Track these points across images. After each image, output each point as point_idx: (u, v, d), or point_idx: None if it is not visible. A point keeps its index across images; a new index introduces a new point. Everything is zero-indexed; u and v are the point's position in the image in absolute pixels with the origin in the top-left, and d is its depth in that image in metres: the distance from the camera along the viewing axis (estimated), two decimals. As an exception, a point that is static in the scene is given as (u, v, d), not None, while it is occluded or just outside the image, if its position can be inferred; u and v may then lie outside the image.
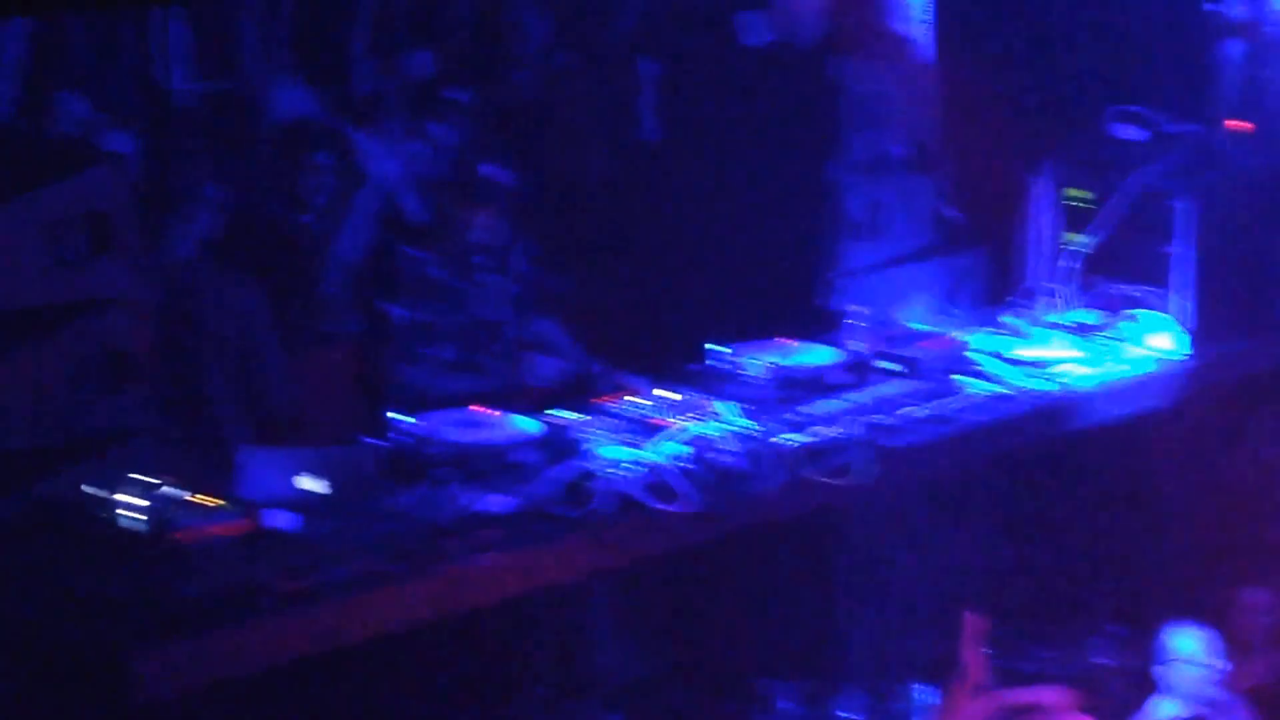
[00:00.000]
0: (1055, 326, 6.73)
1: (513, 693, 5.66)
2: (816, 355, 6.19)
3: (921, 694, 6.60)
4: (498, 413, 5.67)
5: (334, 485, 5.12)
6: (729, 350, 6.08)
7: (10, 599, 4.64)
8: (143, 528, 4.82)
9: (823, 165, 7.42)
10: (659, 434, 5.52)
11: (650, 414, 5.68)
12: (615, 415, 5.74)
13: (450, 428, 5.49)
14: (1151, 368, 6.60)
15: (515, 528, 5.12)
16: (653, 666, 6.14)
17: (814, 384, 6.06)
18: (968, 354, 6.42)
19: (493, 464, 5.39)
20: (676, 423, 5.58)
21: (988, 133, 7.86)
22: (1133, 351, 6.63)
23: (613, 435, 5.56)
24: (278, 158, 7.71)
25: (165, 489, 4.89)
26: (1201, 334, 6.67)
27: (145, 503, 4.85)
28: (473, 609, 4.97)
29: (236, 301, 6.69)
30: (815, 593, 6.48)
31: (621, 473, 5.32)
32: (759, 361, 6.00)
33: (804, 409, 5.87)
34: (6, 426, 5.41)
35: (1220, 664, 6.32)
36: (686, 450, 5.49)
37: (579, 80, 8.93)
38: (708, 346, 6.08)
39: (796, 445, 5.59)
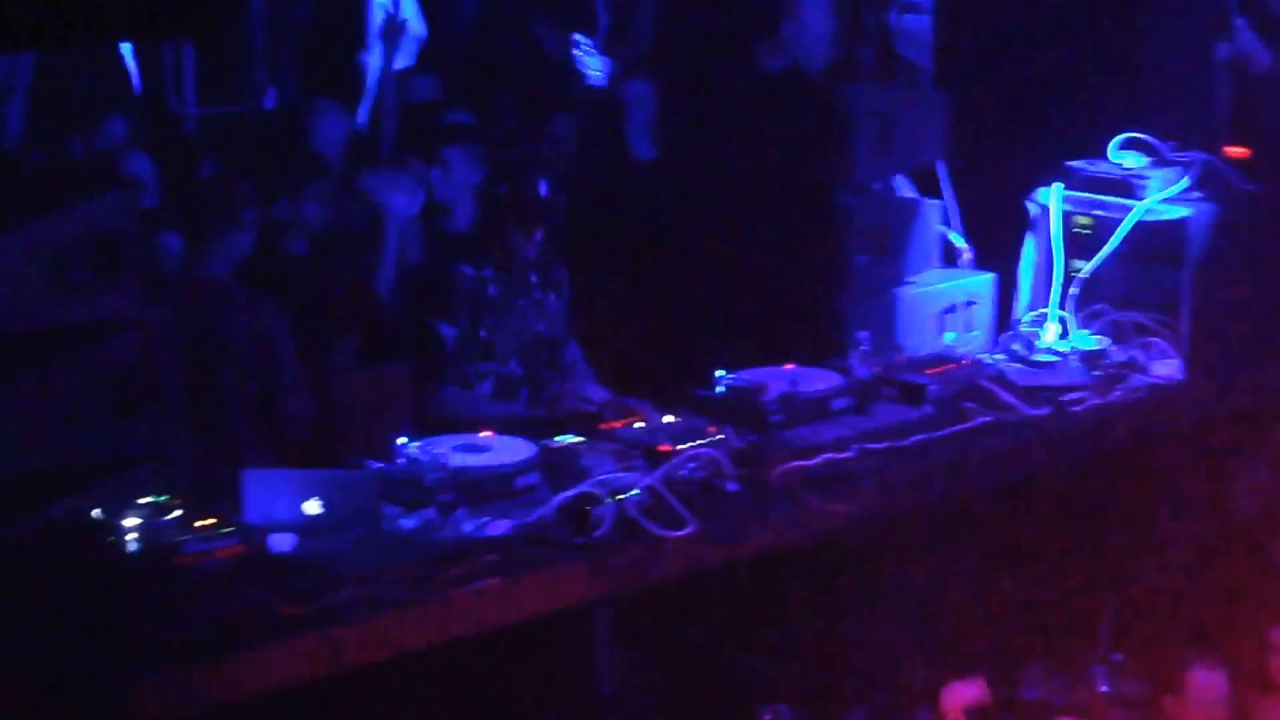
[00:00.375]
0: (1059, 353, 6.74)
1: (515, 718, 5.67)
2: (822, 380, 6.20)
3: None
4: (503, 436, 5.69)
5: (337, 509, 5.13)
6: (735, 375, 6.09)
7: (12, 621, 4.66)
8: (146, 551, 4.84)
9: (832, 190, 7.43)
10: (664, 459, 5.54)
11: (655, 439, 5.69)
12: (620, 439, 5.75)
13: (454, 452, 5.50)
14: (1155, 394, 6.61)
15: (518, 553, 5.13)
16: (655, 691, 6.14)
17: (819, 409, 6.07)
18: (973, 379, 6.43)
19: (496, 488, 5.41)
20: (681, 448, 5.60)
21: (994, 159, 7.90)
22: (1136, 378, 6.65)
23: (618, 460, 5.58)
24: (289, 183, 7.74)
25: (170, 512, 4.92)
26: (1203, 360, 6.68)
27: (150, 526, 4.87)
28: (475, 634, 4.98)
29: (260, 322, 6.71)
30: (818, 618, 6.47)
31: (626, 498, 5.33)
32: (762, 386, 6.01)
33: (809, 434, 5.89)
34: (15, 450, 5.43)
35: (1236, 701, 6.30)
36: (691, 476, 5.51)
37: (592, 106, 8.98)
38: (714, 372, 6.08)
39: (801, 471, 5.60)
